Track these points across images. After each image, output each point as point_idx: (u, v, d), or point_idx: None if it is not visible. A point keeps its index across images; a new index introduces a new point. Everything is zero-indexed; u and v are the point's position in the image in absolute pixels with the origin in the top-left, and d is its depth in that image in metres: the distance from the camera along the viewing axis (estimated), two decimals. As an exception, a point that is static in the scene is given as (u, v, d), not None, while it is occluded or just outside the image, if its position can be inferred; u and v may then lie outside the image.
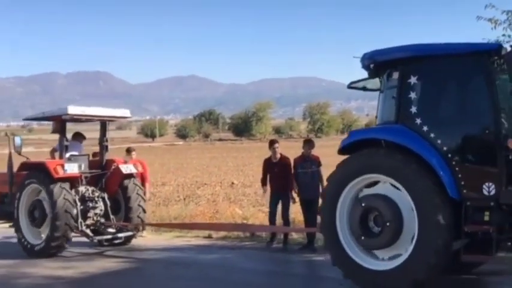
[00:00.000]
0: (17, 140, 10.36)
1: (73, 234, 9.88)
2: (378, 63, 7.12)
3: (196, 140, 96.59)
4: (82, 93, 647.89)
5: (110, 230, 10.39)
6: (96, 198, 10.32)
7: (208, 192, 18.75)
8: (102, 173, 10.61)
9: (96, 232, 10.30)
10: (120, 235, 10.36)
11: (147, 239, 11.25)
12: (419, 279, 6.35)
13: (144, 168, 11.17)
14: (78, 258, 9.75)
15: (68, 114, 9.99)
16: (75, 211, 9.72)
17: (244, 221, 11.74)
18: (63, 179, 9.75)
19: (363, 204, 6.76)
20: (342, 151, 7.12)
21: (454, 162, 6.47)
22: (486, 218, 6.29)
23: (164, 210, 13.86)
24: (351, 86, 7.78)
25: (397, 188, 6.64)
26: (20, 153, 10.29)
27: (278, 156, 10.14)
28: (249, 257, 9.31)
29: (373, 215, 6.72)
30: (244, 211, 13.19)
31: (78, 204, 9.94)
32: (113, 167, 10.51)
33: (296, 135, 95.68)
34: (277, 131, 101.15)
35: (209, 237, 11.22)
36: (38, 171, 9.98)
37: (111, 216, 10.33)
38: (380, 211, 6.64)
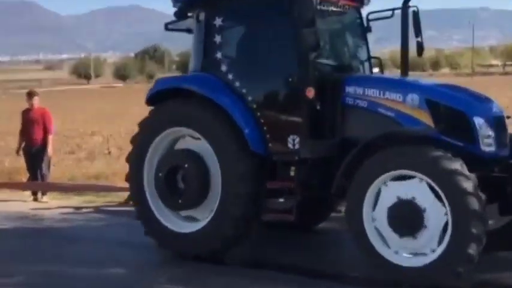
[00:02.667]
0: None
1: None
2: (186, 2, 6.42)
3: (138, 82, 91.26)
4: (3, 26, 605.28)
5: None
6: None
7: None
8: None
9: None
10: None
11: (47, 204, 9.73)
12: (216, 247, 5.99)
13: (48, 118, 9.90)
14: None
15: None
16: None
17: None
18: None
19: (166, 162, 6.24)
20: (149, 102, 6.49)
21: (259, 114, 5.97)
22: (292, 173, 5.86)
23: (85, 167, 12.67)
24: (168, 28, 7.00)
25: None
26: None
27: None
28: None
29: (181, 172, 6.20)
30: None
31: None
32: None
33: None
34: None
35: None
36: None
37: None
38: (184, 168, 6.13)
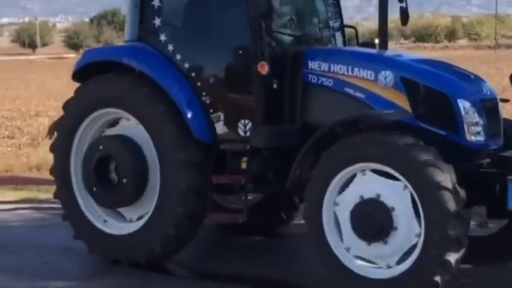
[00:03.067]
0: None
1: None
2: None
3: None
4: None
5: None
6: None
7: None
8: None
9: None
10: None
11: None
12: (155, 250, 5.96)
13: None
14: None
15: None
16: None
17: None
18: None
19: (96, 151, 6.21)
20: (76, 77, 6.45)
21: (204, 93, 5.92)
22: (243, 166, 5.84)
23: (26, 155, 12.43)
24: None
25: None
26: None
27: None
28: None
29: (113, 162, 6.18)
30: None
31: None
32: None
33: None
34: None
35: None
36: None
37: None
38: (113, 158, 6.13)
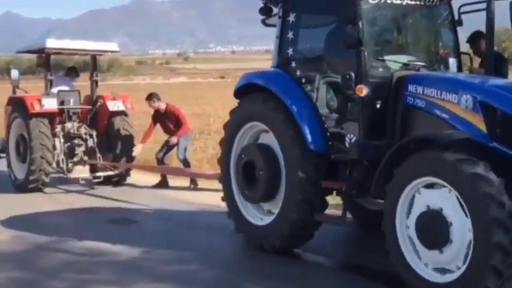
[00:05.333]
0: (14, 73, 12.52)
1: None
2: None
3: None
4: (242, 18, 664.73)
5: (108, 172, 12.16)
6: (84, 136, 12.11)
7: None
8: (87, 108, 12.36)
9: (94, 171, 12.28)
10: (98, 174, 12.11)
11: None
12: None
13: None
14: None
15: (45, 48, 11.81)
16: (51, 144, 11.48)
17: None
18: (40, 115, 11.52)
19: (243, 156, 7.55)
20: (236, 95, 7.83)
21: (320, 112, 6.98)
22: (347, 173, 6.77)
23: None
24: (267, 24, 8.26)
25: None
26: (17, 87, 12.46)
27: None
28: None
29: (258, 166, 7.42)
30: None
31: (61, 140, 11.78)
32: (99, 104, 12.23)
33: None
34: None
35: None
36: (20, 106, 11.91)
37: (98, 155, 12.05)
38: (255, 162, 7.39)
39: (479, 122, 5.89)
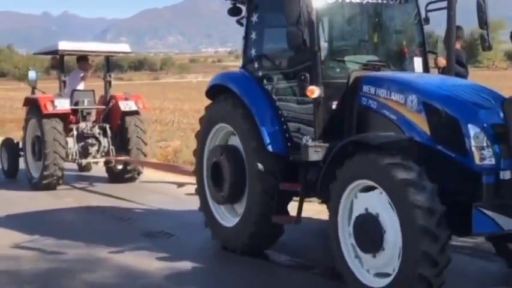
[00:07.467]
0: (32, 74, 12.89)
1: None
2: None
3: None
4: None
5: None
6: (97, 135, 12.36)
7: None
8: (101, 108, 12.60)
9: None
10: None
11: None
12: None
13: None
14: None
15: (58, 50, 12.08)
16: (64, 141, 11.71)
17: None
18: (53, 115, 11.77)
19: (211, 157, 7.56)
20: (207, 96, 7.79)
21: (280, 112, 6.91)
22: (304, 175, 6.67)
23: None
24: (242, 24, 8.20)
25: None
26: (35, 88, 12.79)
27: None
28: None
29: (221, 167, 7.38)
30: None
31: (75, 139, 12.03)
32: (112, 104, 12.45)
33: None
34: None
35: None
36: (34, 107, 12.24)
37: (112, 155, 12.29)
38: (221, 164, 7.36)
39: (423, 123, 5.76)
